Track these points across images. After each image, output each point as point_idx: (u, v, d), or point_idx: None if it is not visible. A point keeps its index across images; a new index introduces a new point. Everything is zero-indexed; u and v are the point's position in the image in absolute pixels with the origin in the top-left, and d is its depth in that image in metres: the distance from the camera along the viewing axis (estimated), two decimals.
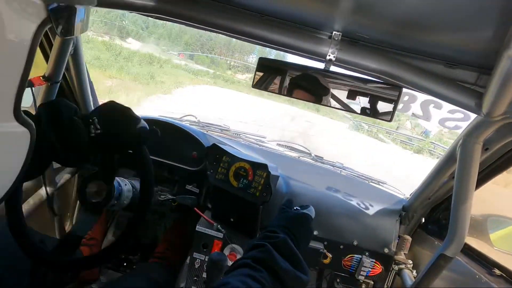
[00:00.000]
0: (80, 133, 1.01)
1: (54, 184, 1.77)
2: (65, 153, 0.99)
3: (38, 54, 1.58)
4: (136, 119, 1.11)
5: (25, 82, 0.52)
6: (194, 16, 1.28)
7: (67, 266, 1.17)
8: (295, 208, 1.17)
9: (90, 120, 1.04)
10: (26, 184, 1.62)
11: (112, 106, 1.11)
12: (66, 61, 1.54)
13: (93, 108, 1.87)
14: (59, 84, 1.56)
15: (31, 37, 0.50)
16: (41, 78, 1.48)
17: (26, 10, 0.47)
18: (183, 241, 1.87)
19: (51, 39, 1.54)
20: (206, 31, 1.48)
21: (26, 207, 1.59)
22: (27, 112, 0.87)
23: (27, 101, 1.47)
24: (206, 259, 1.60)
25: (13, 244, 1.11)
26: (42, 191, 1.71)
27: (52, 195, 1.76)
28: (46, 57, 1.57)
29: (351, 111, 1.29)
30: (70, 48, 1.53)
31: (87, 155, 1.07)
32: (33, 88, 1.38)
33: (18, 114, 0.54)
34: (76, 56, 1.60)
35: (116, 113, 1.10)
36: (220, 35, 1.42)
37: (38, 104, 1.57)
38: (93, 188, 1.20)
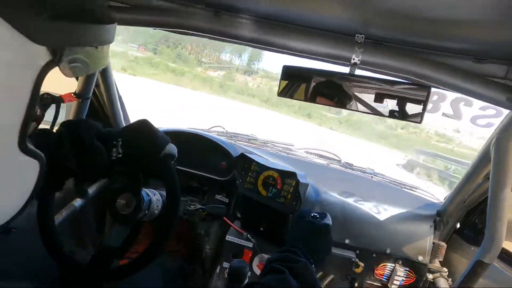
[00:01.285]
0: (101, 157, 0.97)
1: (87, 196, 1.80)
2: (83, 175, 0.96)
3: None
4: (163, 143, 1.09)
5: (29, 119, 0.53)
6: (216, 29, 1.30)
7: (93, 277, 1.18)
8: (312, 215, 1.15)
9: (114, 142, 1.01)
10: (58, 196, 1.67)
11: (139, 127, 1.09)
12: (96, 77, 1.60)
13: (124, 123, 1.93)
14: (89, 100, 1.61)
15: (35, 78, 0.51)
16: (72, 94, 1.54)
17: (26, 55, 0.49)
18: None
19: None
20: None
21: (58, 218, 1.62)
22: (46, 131, 0.87)
23: (61, 117, 1.53)
24: None
25: (43, 253, 1.14)
26: (75, 203, 1.75)
27: (84, 207, 1.80)
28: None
29: (379, 114, 1.27)
30: None
31: (105, 176, 1.04)
32: (61, 104, 1.41)
33: (24, 147, 0.55)
34: (105, 72, 1.66)
35: (143, 136, 1.07)
36: None
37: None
38: (122, 200, 1.22)
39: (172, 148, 1.13)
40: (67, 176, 0.95)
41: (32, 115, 0.54)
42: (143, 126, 1.10)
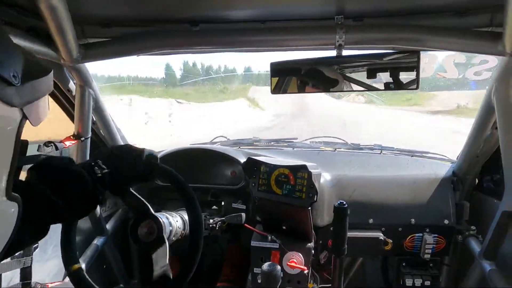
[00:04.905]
0: (81, 178, 0.94)
1: (107, 232, 1.81)
2: (68, 206, 0.90)
3: (64, 116, 1.67)
4: (140, 149, 1.11)
5: (14, 169, 0.57)
6: (197, 42, 1.32)
7: None
8: None
9: (93, 163, 1.00)
10: (79, 239, 1.67)
11: (113, 148, 1.13)
12: (91, 116, 1.60)
13: None
14: (89, 139, 1.62)
15: (15, 135, 0.56)
16: (71, 137, 1.54)
17: (6, 118, 0.54)
18: (242, 259, 1.87)
19: (71, 99, 1.60)
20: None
21: (84, 258, 1.62)
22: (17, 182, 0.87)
23: None
24: None
25: None
26: (96, 241, 1.75)
27: (106, 244, 1.80)
28: (71, 117, 1.63)
29: (375, 89, 1.27)
30: (92, 104, 1.58)
31: (96, 199, 1.02)
32: (63, 149, 1.42)
33: (8, 192, 0.59)
34: (98, 109, 1.66)
35: (119, 150, 1.10)
36: None
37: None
38: (143, 228, 1.22)
39: (150, 151, 1.14)
40: (47, 219, 0.91)
41: (14, 166, 0.58)
42: (116, 146, 1.17)
